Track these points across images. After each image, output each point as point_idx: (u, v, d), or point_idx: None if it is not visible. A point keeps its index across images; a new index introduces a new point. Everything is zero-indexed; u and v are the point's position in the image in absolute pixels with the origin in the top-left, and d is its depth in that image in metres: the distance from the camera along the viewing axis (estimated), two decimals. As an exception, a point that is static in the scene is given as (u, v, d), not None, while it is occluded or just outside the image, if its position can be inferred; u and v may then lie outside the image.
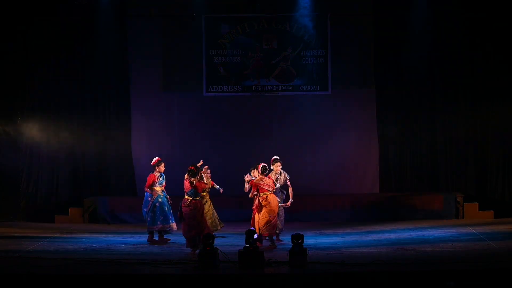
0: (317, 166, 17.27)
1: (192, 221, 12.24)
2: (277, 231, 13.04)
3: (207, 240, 10.73)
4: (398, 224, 15.23)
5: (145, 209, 13.45)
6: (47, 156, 17.11)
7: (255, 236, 10.86)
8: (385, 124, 17.23)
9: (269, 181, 12.79)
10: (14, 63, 16.89)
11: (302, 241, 10.75)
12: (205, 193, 13.54)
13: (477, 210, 16.18)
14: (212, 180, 13.90)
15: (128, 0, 17.32)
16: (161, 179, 13.47)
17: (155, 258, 11.47)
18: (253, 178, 12.96)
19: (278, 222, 13.02)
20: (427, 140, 17.15)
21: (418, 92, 17.08)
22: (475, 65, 16.79)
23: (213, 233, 12.16)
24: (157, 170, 13.46)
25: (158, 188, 13.41)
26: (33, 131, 16.95)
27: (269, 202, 12.63)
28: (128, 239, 13.80)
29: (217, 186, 13.85)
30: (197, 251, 11.55)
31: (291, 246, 10.80)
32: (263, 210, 12.62)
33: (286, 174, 13.42)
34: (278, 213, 12.85)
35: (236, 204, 15.61)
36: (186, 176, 12.45)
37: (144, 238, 13.57)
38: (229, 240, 13.27)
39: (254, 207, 12.85)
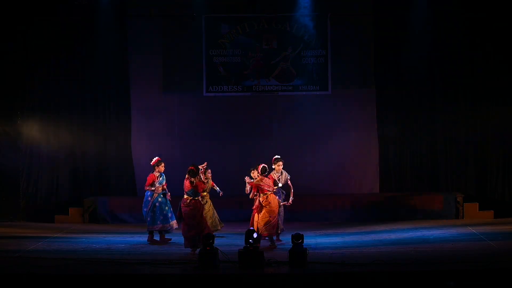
0: (317, 166, 17.27)
1: (192, 221, 12.24)
2: (278, 231, 13.06)
3: (207, 240, 10.73)
4: (398, 224, 15.23)
5: (145, 209, 13.45)
6: (47, 156, 17.11)
7: (255, 235, 10.85)
8: (385, 124, 17.23)
9: (269, 182, 12.79)
10: (14, 63, 16.88)
11: (302, 241, 10.75)
12: (205, 193, 13.55)
13: (477, 210, 16.18)
14: (213, 180, 13.90)
15: (128, 0, 17.32)
16: (161, 179, 13.47)
17: (155, 258, 11.47)
18: (253, 179, 12.97)
19: (279, 222, 13.03)
20: (427, 140, 17.15)
21: (418, 92, 17.08)
22: (475, 65, 16.79)
23: (213, 233, 12.18)
24: (157, 170, 13.46)
25: (158, 188, 13.41)
26: (33, 131, 16.95)
27: (270, 202, 12.64)
28: (128, 239, 13.80)
29: (217, 188, 13.86)
30: (197, 251, 11.58)
31: (291, 246, 10.81)
32: (263, 210, 12.62)
33: (287, 173, 13.43)
34: (278, 213, 12.85)
35: (236, 204, 15.61)
36: (186, 175, 12.48)
37: (144, 238, 13.57)
38: (229, 240, 13.27)
39: (254, 207, 12.85)
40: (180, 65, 17.34)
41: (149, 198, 13.42)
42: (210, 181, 13.83)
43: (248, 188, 12.96)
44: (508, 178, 16.76)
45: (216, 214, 13.83)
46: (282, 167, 13.38)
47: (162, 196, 13.40)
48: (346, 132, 17.35)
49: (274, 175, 13.25)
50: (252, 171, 13.13)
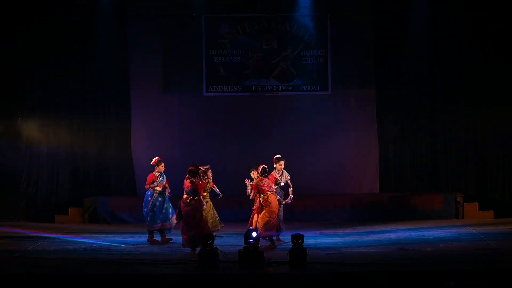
0: (317, 166, 17.27)
1: (192, 221, 12.23)
2: (279, 232, 13.08)
3: (207, 240, 10.73)
4: (398, 224, 15.23)
5: (145, 209, 13.45)
6: (47, 156, 17.11)
7: (254, 234, 10.85)
8: (385, 124, 17.23)
9: (269, 182, 12.80)
10: (14, 63, 16.88)
11: (302, 241, 10.75)
12: (205, 193, 13.55)
13: (477, 210, 16.18)
14: (213, 180, 13.90)
15: (128, 0, 17.32)
16: (161, 178, 13.47)
17: (155, 258, 11.47)
18: (253, 179, 12.97)
19: (280, 222, 13.04)
20: (427, 140, 17.15)
21: (418, 92, 17.08)
22: (475, 65, 16.79)
23: (213, 233, 12.18)
24: (157, 170, 13.46)
25: (157, 187, 13.41)
26: (33, 131, 16.96)
27: (270, 203, 12.65)
28: (128, 239, 13.80)
29: (217, 190, 13.86)
30: (197, 250, 11.59)
31: (291, 246, 10.81)
32: (264, 210, 12.62)
33: (287, 173, 13.44)
34: (278, 213, 12.86)
35: (236, 204, 15.60)
36: (187, 175, 12.49)
37: (144, 238, 13.57)
38: (229, 240, 13.27)
39: (254, 208, 12.84)
40: (180, 65, 17.34)
41: (149, 198, 13.43)
42: (211, 182, 13.83)
43: (249, 190, 12.97)
44: (508, 178, 16.76)
45: (216, 214, 13.83)
46: (283, 166, 13.38)
47: (162, 196, 13.40)
48: (346, 132, 17.35)
49: (276, 174, 13.26)
50: (252, 172, 13.13)
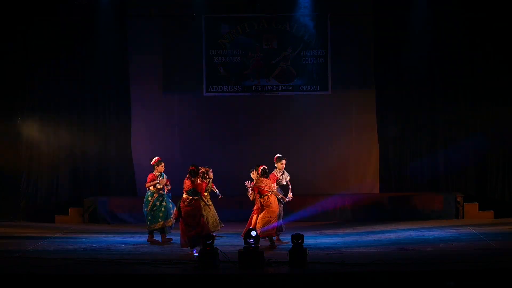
0: (317, 166, 17.28)
1: (192, 221, 12.22)
2: (279, 233, 13.08)
3: (207, 240, 10.73)
4: (398, 224, 15.23)
5: (145, 209, 13.45)
6: (47, 156, 17.11)
7: (253, 233, 10.86)
8: (385, 124, 17.23)
9: (268, 182, 12.80)
10: (14, 63, 16.88)
11: (302, 241, 10.75)
12: (206, 193, 13.54)
13: (477, 210, 16.18)
14: (213, 180, 13.89)
15: (128, 0, 17.32)
16: (161, 178, 13.47)
17: (155, 258, 11.47)
18: (253, 180, 12.97)
19: (281, 222, 13.07)
20: (427, 140, 17.15)
21: (418, 92, 17.08)
22: (475, 65, 16.79)
23: (213, 233, 12.19)
24: (157, 169, 13.47)
25: (158, 187, 13.42)
26: (33, 131, 16.95)
27: (271, 203, 12.67)
28: (128, 239, 13.80)
29: (217, 191, 13.85)
30: (194, 250, 11.62)
31: (291, 246, 10.81)
32: (264, 210, 12.62)
33: (287, 173, 13.45)
34: (278, 214, 12.86)
35: (236, 204, 15.59)
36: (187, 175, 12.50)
37: (144, 238, 13.57)
38: (229, 240, 13.27)
39: (255, 208, 12.81)
40: (180, 65, 17.34)
41: (150, 198, 13.43)
42: (211, 182, 13.82)
43: (250, 193, 12.96)
44: (508, 178, 16.76)
45: (216, 214, 13.83)
46: (284, 166, 13.39)
47: (162, 196, 13.41)
48: (346, 132, 17.36)
49: (277, 173, 13.26)
50: (252, 172, 13.12)
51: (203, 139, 17.36)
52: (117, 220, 16.30)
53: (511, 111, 16.62)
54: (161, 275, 10.36)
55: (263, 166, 12.84)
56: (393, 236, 13.81)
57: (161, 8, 17.26)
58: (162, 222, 13.32)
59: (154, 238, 13.44)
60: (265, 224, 12.53)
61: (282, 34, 17.30)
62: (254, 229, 11.63)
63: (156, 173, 13.47)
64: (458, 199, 16.16)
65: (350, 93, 17.40)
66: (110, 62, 17.19)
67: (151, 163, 13.60)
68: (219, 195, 13.81)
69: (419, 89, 17.05)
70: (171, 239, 13.30)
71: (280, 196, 13.05)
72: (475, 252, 11.75)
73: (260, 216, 12.63)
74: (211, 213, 13.62)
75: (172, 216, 13.17)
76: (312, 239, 13.09)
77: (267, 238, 12.67)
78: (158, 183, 13.35)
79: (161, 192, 13.41)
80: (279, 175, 13.28)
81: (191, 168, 12.43)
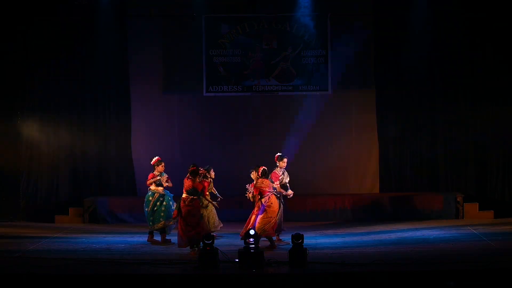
0: (317, 166, 17.27)
1: (192, 220, 12.23)
2: (279, 233, 13.09)
3: (207, 240, 10.73)
4: (398, 224, 15.23)
5: (146, 209, 13.45)
6: (47, 156, 17.10)
7: (252, 232, 10.87)
8: (385, 124, 17.22)
9: (268, 183, 12.81)
10: (14, 63, 16.88)
11: (302, 241, 10.75)
12: (207, 193, 13.53)
13: (477, 210, 16.18)
14: (213, 180, 13.88)
15: (128, 0, 17.32)
16: (161, 177, 13.50)
17: (155, 258, 11.48)
18: (253, 180, 12.98)
19: (281, 222, 13.07)
20: (427, 140, 17.14)
21: (418, 92, 17.08)
22: (475, 65, 16.78)
23: (213, 233, 12.19)
24: (157, 169, 13.47)
25: (159, 188, 13.43)
26: (33, 131, 16.95)
27: (272, 203, 12.67)
28: (128, 239, 13.80)
29: (216, 192, 13.84)
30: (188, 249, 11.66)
31: (291, 246, 10.81)
32: (265, 211, 12.61)
33: (287, 173, 13.46)
34: (277, 214, 12.86)
35: (236, 204, 15.58)
36: (188, 174, 12.51)
37: (144, 238, 13.57)
38: (229, 240, 13.27)
39: (256, 209, 12.79)
40: (180, 65, 17.34)
41: (150, 198, 13.43)
42: (212, 184, 13.82)
43: (251, 194, 12.96)
44: (508, 178, 16.76)
45: (216, 214, 13.82)
46: (286, 164, 13.40)
47: (163, 196, 13.41)
48: (346, 132, 17.36)
49: (278, 171, 13.27)
50: (252, 173, 13.12)
51: (203, 139, 17.36)
52: (117, 220, 16.30)
53: (511, 111, 16.62)
54: (161, 275, 10.36)
55: (263, 167, 12.84)
56: (393, 236, 13.81)
57: (161, 8, 17.25)
58: (163, 222, 13.32)
59: (154, 238, 13.44)
60: (265, 224, 12.53)
61: (282, 34, 17.29)
62: (254, 228, 11.63)
63: (156, 173, 13.48)
64: (458, 199, 16.15)
65: (350, 93, 17.40)
66: (110, 62, 17.19)
67: (151, 163, 13.60)
68: (218, 196, 13.80)
69: (419, 89, 17.05)
70: (170, 240, 13.29)
71: (285, 193, 13.07)
72: (475, 252, 11.75)
73: (260, 216, 12.62)
74: (212, 213, 13.62)
75: (173, 216, 13.18)
76: (312, 239, 13.09)
77: (266, 238, 12.67)
78: (159, 179, 13.35)
79: (161, 192, 13.41)
80: (280, 173, 13.28)
81: (192, 168, 12.44)
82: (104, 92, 17.31)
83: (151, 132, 17.34)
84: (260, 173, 12.78)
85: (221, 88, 17.34)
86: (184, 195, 12.39)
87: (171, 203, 13.39)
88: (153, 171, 13.51)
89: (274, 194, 12.85)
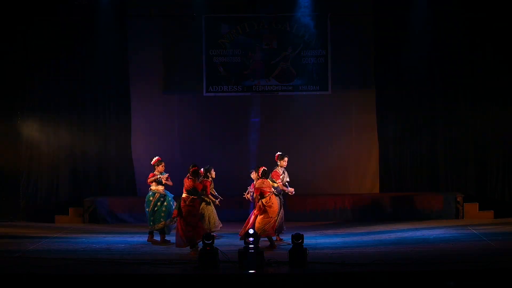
0: (317, 166, 17.27)
1: (192, 220, 12.24)
2: (279, 233, 13.10)
3: (207, 240, 10.73)
4: (398, 224, 15.23)
5: (147, 209, 13.46)
6: (47, 156, 17.10)
7: (251, 231, 10.87)
8: (385, 124, 17.22)
9: (269, 183, 12.83)
10: (14, 63, 16.88)
11: (302, 241, 10.75)
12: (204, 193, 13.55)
13: (477, 210, 16.18)
14: (213, 180, 13.88)
15: (128, 0, 17.31)
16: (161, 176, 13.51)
17: (155, 258, 11.48)
18: (253, 181, 12.99)
19: (282, 222, 13.08)
20: (427, 140, 17.13)
21: (418, 92, 17.07)
22: (475, 65, 16.78)
23: (214, 233, 12.20)
24: (157, 169, 13.48)
25: (160, 187, 13.44)
26: (33, 131, 16.95)
27: (273, 203, 12.69)
28: (128, 239, 13.80)
29: (216, 193, 13.85)
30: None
31: (291, 246, 10.81)
32: (266, 211, 12.61)
33: (287, 173, 13.47)
34: (278, 214, 12.87)
35: (236, 204, 15.57)
36: (188, 174, 12.52)
37: (144, 238, 13.57)
38: (229, 240, 13.28)
39: (256, 209, 12.78)
40: (180, 65, 17.34)
41: (151, 198, 13.44)
42: (212, 184, 13.83)
43: (252, 195, 12.96)
44: (508, 178, 16.76)
45: (216, 214, 13.83)
46: (286, 163, 13.40)
47: (163, 196, 13.42)
48: (346, 132, 17.36)
49: (279, 170, 13.28)
50: (252, 173, 13.12)
51: (203, 139, 17.35)
52: (117, 220, 16.30)
53: (511, 111, 16.62)
54: (161, 275, 10.37)
55: (263, 168, 12.84)
56: (393, 236, 13.82)
57: (161, 8, 17.26)
58: (164, 222, 13.32)
59: (154, 238, 13.44)
60: (265, 224, 12.53)
61: (282, 34, 17.29)
62: (253, 228, 11.64)
63: (156, 172, 13.49)
64: (458, 199, 16.15)
65: (350, 93, 17.40)
66: (110, 62, 17.18)
67: (151, 163, 13.62)
68: (218, 197, 13.79)
69: (419, 89, 17.04)
70: (169, 241, 13.28)
71: (287, 190, 13.10)
72: (475, 252, 11.75)
73: (261, 216, 12.61)
74: (213, 213, 13.63)
75: (172, 215, 13.19)
76: (312, 239, 13.09)
77: (266, 238, 12.67)
78: (159, 177, 13.36)
79: (162, 192, 13.42)
80: (281, 172, 13.29)
81: (194, 168, 12.46)
82: (104, 92, 17.31)
83: (151, 132, 17.34)
84: (260, 173, 12.78)
85: (221, 88, 17.34)
86: (184, 195, 12.40)
87: (171, 203, 13.39)
88: (153, 171, 13.52)
89: (275, 194, 12.86)
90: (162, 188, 13.46)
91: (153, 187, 13.49)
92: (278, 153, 13.49)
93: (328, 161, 17.26)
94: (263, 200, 12.62)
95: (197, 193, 12.39)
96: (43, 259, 11.48)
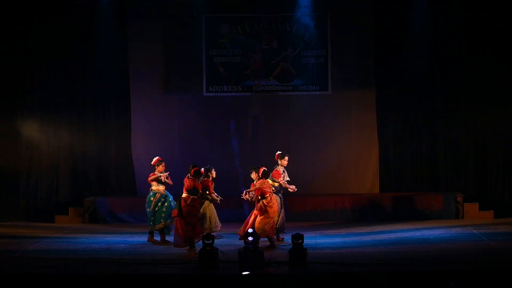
0: (317, 166, 17.27)
1: (192, 220, 12.24)
2: (279, 233, 13.10)
3: (207, 240, 10.73)
4: (398, 224, 15.23)
5: (148, 209, 13.46)
6: (47, 156, 17.10)
7: (250, 230, 10.88)
8: (385, 124, 17.22)
9: (269, 184, 12.83)
10: (14, 63, 16.88)
11: (302, 241, 10.76)
12: (208, 192, 13.54)
13: (477, 210, 16.18)
14: (214, 180, 13.88)
15: (128, 0, 17.31)
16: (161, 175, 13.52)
17: (155, 258, 11.49)
18: (254, 181, 12.99)
19: (283, 222, 13.08)
20: (427, 140, 17.13)
21: (418, 92, 17.07)
22: (475, 65, 16.78)
23: (214, 233, 12.19)
24: (157, 169, 13.49)
25: (160, 187, 13.44)
26: (33, 131, 16.95)
27: (273, 204, 12.69)
28: (128, 239, 13.80)
29: (215, 194, 13.86)
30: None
31: (291, 246, 10.81)
32: (267, 211, 12.61)
33: (287, 173, 13.48)
34: (278, 214, 12.88)
35: (236, 204, 15.57)
36: (188, 174, 12.52)
37: (144, 238, 13.57)
38: (229, 240, 13.28)
39: (257, 209, 12.77)
40: (180, 65, 17.33)
41: (152, 198, 13.44)
42: (213, 184, 13.84)
43: (252, 195, 12.96)
44: (508, 178, 16.76)
45: (216, 214, 13.83)
46: (287, 162, 13.40)
47: (164, 196, 13.42)
48: (346, 132, 17.36)
49: (280, 169, 13.27)
50: (252, 173, 13.12)
51: (203, 139, 17.35)
52: (117, 220, 16.29)
53: (511, 111, 16.62)
54: (161, 275, 10.37)
55: (264, 168, 12.85)
56: (393, 236, 13.82)
57: (161, 8, 17.25)
58: (164, 222, 13.32)
59: (154, 238, 13.45)
60: (265, 224, 12.53)
61: (282, 34, 17.29)
62: (253, 228, 11.64)
63: (156, 172, 13.50)
64: (458, 199, 16.15)
65: (350, 93, 17.39)
66: (110, 62, 17.18)
67: (152, 163, 13.62)
68: (218, 197, 13.79)
69: (419, 89, 17.04)
70: (169, 241, 13.27)
71: (289, 187, 13.11)
72: (475, 252, 11.75)
73: (261, 217, 12.60)
74: (213, 213, 13.63)
75: (172, 215, 13.19)
76: (312, 239, 13.09)
77: (266, 238, 12.67)
78: (160, 176, 13.36)
79: (163, 192, 13.42)
80: (281, 171, 13.29)
81: (195, 168, 12.46)
82: (104, 92, 17.30)
83: (151, 132, 17.33)
84: (260, 173, 12.78)
85: (221, 88, 17.34)
86: (184, 195, 12.40)
87: (172, 204, 13.39)
88: (154, 171, 13.52)
89: (275, 194, 12.87)
90: (163, 188, 13.46)
91: (154, 187, 13.49)
92: (279, 152, 13.50)
93: (328, 161, 17.25)
94: (264, 201, 12.62)
95: (198, 193, 12.39)
96: (43, 259, 11.48)
